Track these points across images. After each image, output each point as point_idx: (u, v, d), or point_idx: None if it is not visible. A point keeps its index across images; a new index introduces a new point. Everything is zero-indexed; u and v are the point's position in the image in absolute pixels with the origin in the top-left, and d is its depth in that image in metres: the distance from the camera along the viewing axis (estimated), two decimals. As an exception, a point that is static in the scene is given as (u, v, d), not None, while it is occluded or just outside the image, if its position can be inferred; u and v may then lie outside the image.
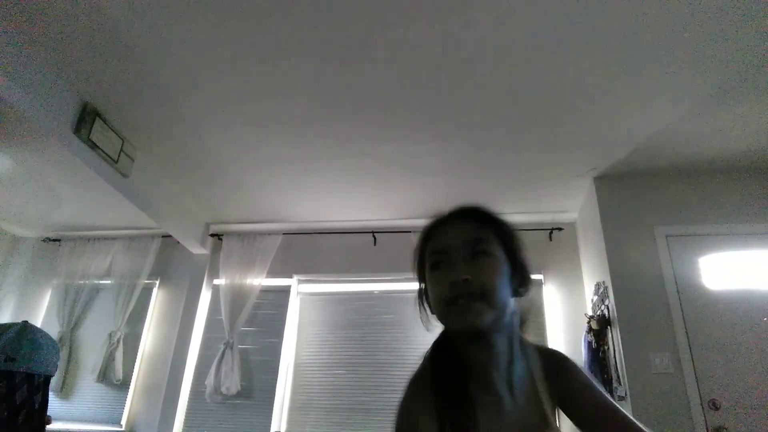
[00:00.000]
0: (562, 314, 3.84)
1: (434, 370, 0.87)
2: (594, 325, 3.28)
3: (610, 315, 3.17)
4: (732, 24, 2.15)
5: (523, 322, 0.90)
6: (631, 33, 2.21)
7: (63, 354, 4.15)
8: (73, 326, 4.32)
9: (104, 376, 4.04)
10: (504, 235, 0.90)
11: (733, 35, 2.21)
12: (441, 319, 0.85)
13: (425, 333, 0.94)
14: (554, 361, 0.92)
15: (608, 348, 3.21)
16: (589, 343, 3.32)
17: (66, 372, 4.16)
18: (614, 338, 3.11)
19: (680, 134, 2.97)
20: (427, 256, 0.90)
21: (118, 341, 4.14)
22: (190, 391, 3.99)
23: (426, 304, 0.90)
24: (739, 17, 2.11)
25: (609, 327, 3.22)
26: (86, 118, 2.79)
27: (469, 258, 0.83)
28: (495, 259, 0.84)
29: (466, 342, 0.85)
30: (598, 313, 3.39)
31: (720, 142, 3.04)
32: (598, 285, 3.42)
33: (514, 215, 4.04)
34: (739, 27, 2.16)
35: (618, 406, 0.86)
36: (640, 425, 0.82)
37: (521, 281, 0.88)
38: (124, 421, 3.97)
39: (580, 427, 0.87)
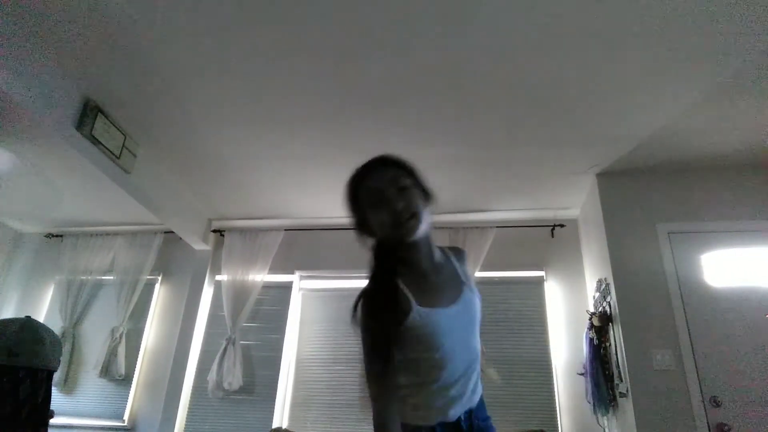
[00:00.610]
0: (564, 311, 3.84)
1: (378, 265, 1.26)
2: (596, 322, 3.28)
3: (612, 312, 3.17)
4: (734, 21, 2.14)
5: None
6: (633, 30, 2.20)
7: (66, 349, 4.17)
8: (75, 322, 4.33)
9: (107, 371, 4.06)
10: (410, 171, 1.26)
11: (735, 32, 2.20)
12: (387, 238, 1.22)
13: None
14: (459, 251, 1.41)
15: (610, 345, 3.21)
16: (591, 340, 3.32)
17: (69, 367, 4.18)
18: (616, 335, 3.11)
19: (683, 131, 2.96)
20: (365, 198, 1.22)
21: (120, 337, 4.15)
22: (193, 387, 4.01)
23: (365, 233, 1.27)
24: (741, 14, 2.10)
25: (611, 324, 3.22)
26: (88, 114, 2.79)
27: (397, 192, 1.18)
28: (412, 188, 1.21)
29: (405, 248, 1.23)
30: (599, 309, 3.39)
31: (723, 138, 3.03)
32: (599, 282, 3.42)
33: (516, 212, 4.07)
34: (742, 23, 2.15)
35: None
36: None
37: (427, 197, 1.27)
38: (126, 417, 3.99)
39: None
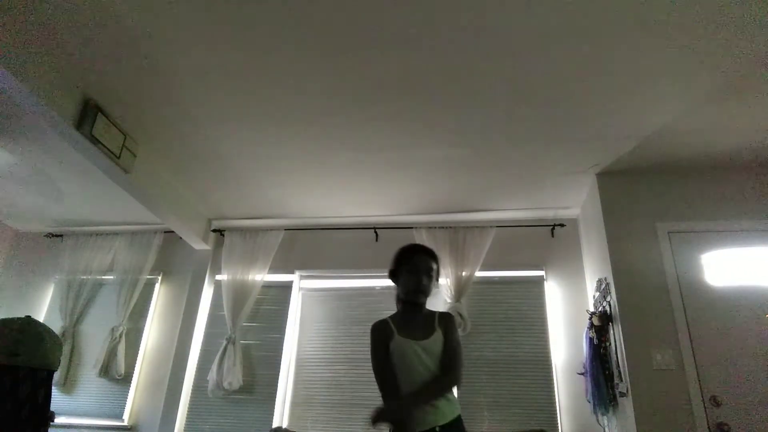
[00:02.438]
0: (564, 310, 3.84)
1: (378, 324, 2.07)
2: (596, 322, 3.28)
3: (612, 311, 3.17)
4: (736, 20, 2.14)
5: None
6: (633, 30, 2.20)
7: (66, 349, 4.17)
8: (75, 321, 4.34)
9: (107, 370, 4.06)
10: (437, 264, 2.08)
11: (736, 31, 2.20)
12: (404, 294, 2.04)
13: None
14: (445, 314, 2.09)
15: (610, 344, 3.21)
16: (591, 340, 3.32)
17: (69, 367, 4.18)
18: (616, 334, 3.11)
19: (683, 131, 2.96)
20: (408, 265, 2.04)
21: (120, 336, 4.15)
22: (193, 386, 4.01)
23: (394, 280, 2.10)
24: (742, 13, 2.10)
25: (610, 323, 3.22)
26: (88, 114, 2.79)
27: (425, 275, 2.01)
28: (433, 277, 2.05)
29: (411, 302, 2.03)
30: (599, 309, 3.39)
31: (723, 138, 3.03)
32: (599, 281, 3.42)
33: (516, 211, 4.07)
34: (743, 23, 2.15)
35: (456, 351, 1.98)
36: (450, 366, 1.94)
37: (437, 280, 2.09)
38: (126, 416, 3.99)
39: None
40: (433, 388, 1.88)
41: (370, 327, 2.04)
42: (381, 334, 1.99)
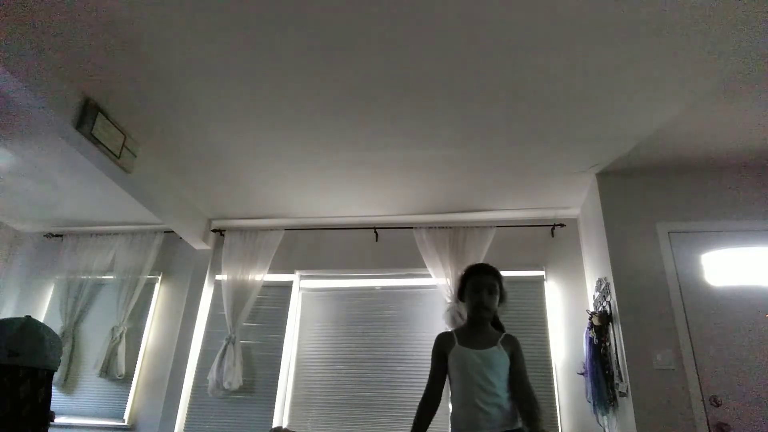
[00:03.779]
0: (564, 310, 3.84)
1: (444, 333, 2.25)
2: (596, 322, 3.28)
3: (612, 311, 3.17)
4: (736, 19, 2.14)
5: (497, 316, 2.25)
6: (633, 29, 2.20)
7: (66, 349, 4.17)
8: (75, 321, 4.34)
9: (107, 371, 4.06)
10: (501, 282, 2.18)
11: (736, 31, 2.20)
12: (470, 311, 2.18)
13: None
14: (510, 336, 2.17)
15: (610, 344, 3.21)
16: (591, 340, 3.32)
17: (69, 367, 4.18)
18: (616, 334, 3.11)
19: (683, 130, 2.96)
20: (472, 283, 2.17)
21: (120, 336, 4.15)
22: (193, 386, 4.01)
23: (459, 300, 2.30)
24: (742, 12, 2.10)
25: (611, 323, 3.22)
26: (88, 114, 2.80)
27: (488, 293, 2.13)
28: (496, 295, 2.15)
29: (475, 318, 2.16)
30: (599, 309, 3.39)
31: (723, 138, 3.03)
32: (599, 281, 3.42)
33: (516, 211, 4.07)
34: (743, 22, 2.15)
35: (525, 374, 2.11)
36: (530, 391, 2.07)
37: (502, 298, 2.19)
38: (126, 416, 3.99)
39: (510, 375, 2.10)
40: (537, 408, 2.03)
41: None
42: (441, 342, 2.19)
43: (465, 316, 3.70)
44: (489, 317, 2.16)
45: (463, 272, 2.26)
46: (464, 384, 2.04)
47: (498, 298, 2.15)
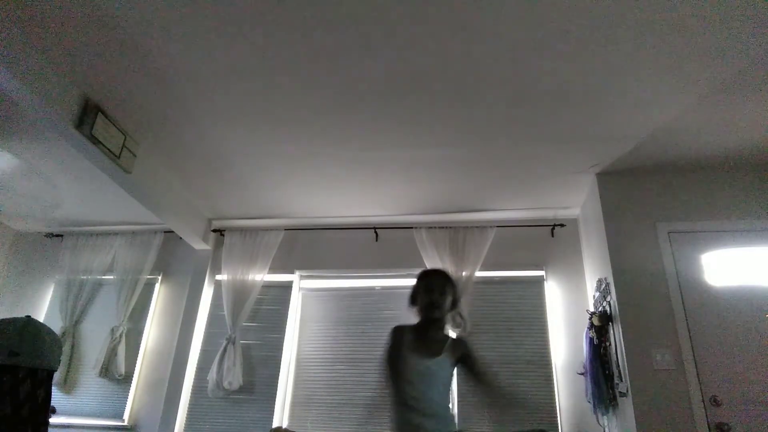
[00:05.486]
0: (564, 310, 3.84)
1: (397, 328, 2.21)
2: (596, 322, 3.28)
3: (612, 311, 3.17)
4: (736, 18, 2.14)
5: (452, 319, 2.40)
6: (633, 29, 2.20)
7: (66, 349, 4.17)
8: (75, 321, 4.34)
9: (107, 371, 4.06)
10: (453, 287, 2.21)
11: (736, 30, 2.20)
12: (421, 312, 2.19)
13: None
14: (457, 340, 2.22)
15: (610, 344, 3.21)
16: (591, 340, 3.32)
17: (69, 367, 4.18)
18: (616, 334, 3.11)
19: (683, 130, 2.96)
20: (423, 285, 2.22)
21: (120, 336, 4.15)
22: (193, 386, 4.01)
23: (411, 304, 2.27)
24: (743, 12, 2.10)
25: (611, 323, 3.22)
26: (88, 114, 2.79)
27: (439, 294, 2.15)
28: (447, 297, 2.17)
29: (426, 319, 2.17)
30: (599, 309, 3.39)
31: (723, 138, 3.03)
32: (599, 281, 3.42)
33: (516, 211, 4.08)
34: (743, 21, 2.15)
35: (485, 372, 2.17)
36: (496, 384, 2.26)
37: (454, 305, 2.22)
38: (126, 416, 3.99)
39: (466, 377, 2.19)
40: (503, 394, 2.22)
41: (391, 328, 2.24)
42: (395, 338, 2.19)
43: (463, 315, 3.74)
44: (440, 317, 2.15)
45: (420, 275, 2.30)
46: (404, 384, 2.04)
47: (450, 300, 2.17)
